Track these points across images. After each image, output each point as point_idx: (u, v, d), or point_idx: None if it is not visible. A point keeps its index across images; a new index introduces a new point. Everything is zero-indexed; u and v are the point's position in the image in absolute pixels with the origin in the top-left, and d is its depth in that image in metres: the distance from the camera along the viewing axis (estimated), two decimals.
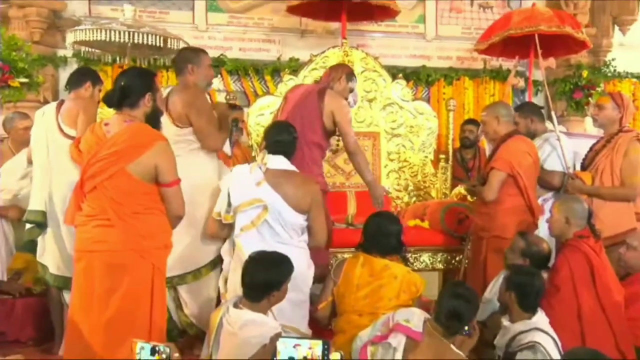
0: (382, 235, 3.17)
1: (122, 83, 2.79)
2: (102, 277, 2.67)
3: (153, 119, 2.86)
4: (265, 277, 2.55)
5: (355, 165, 3.93)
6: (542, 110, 4.95)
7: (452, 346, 2.49)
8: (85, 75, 3.71)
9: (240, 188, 3.09)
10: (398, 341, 2.43)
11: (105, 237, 2.67)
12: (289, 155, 3.21)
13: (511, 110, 3.98)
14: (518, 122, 4.09)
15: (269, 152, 3.18)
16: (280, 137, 3.23)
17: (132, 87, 2.78)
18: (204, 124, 3.38)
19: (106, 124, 2.78)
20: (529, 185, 3.68)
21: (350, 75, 3.98)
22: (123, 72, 2.87)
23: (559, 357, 2.60)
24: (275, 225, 3.05)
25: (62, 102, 3.58)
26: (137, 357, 2.17)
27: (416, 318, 2.52)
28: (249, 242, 3.03)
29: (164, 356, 2.14)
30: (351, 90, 4.01)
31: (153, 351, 2.16)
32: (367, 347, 2.52)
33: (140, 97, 2.78)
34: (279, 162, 3.15)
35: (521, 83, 6.03)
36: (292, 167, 3.18)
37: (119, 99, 2.77)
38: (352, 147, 3.83)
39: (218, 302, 3.31)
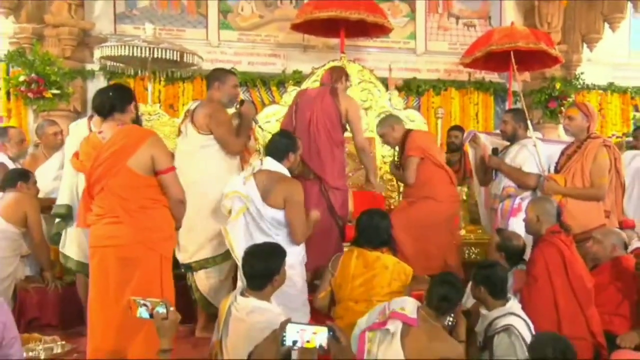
0: (373, 229, 3.14)
1: (111, 94, 2.84)
2: (115, 269, 2.65)
3: (137, 124, 2.94)
4: (264, 265, 2.51)
5: (362, 159, 4.05)
6: None
7: (443, 329, 2.50)
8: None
9: (232, 183, 3.16)
10: (395, 327, 2.41)
11: (115, 233, 2.65)
12: (277, 157, 3.19)
13: (398, 118, 4.33)
14: (507, 122, 4.07)
15: (265, 154, 3.26)
16: (272, 141, 3.29)
17: (120, 96, 2.84)
18: (223, 133, 3.46)
19: (100, 132, 2.80)
20: (444, 161, 4.09)
21: (347, 75, 4.13)
22: (105, 88, 2.95)
23: (531, 338, 2.58)
24: (256, 218, 3.06)
25: (92, 116, 3.51)
26: (137, 315, 2.11)
27: (410, 306, 2.51)
28: (234, 229, 3.08)
29: (161, 311, 2.08)
30: (346, 89, 4.10)
31: (151, 316, 2.10)
32: (365, 333, 2.49)
33: (128, 104, 2.84)
34: (270, 162, 3.18)
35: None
36: (279, 168, 3.17)
37: (111, 106, 2.80)
38: (363, 144, 3.95)
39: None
